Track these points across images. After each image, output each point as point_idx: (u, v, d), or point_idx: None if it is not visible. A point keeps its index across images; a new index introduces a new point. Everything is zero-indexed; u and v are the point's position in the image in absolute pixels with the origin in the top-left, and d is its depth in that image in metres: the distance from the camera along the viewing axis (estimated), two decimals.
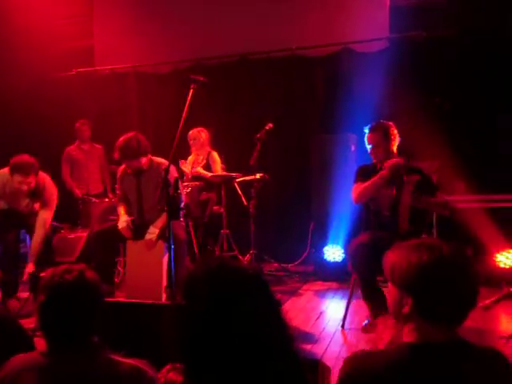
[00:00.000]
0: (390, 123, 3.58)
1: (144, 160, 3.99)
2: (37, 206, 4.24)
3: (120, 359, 1.59)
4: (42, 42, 6.42)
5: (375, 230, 3.52)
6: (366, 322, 3.40)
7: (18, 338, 1.95)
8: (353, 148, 5.10)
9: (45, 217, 4.17)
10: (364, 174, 3.58)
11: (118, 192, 4.38)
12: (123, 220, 4.03)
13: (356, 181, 3.60)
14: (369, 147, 3.58)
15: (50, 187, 4.21)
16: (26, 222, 4.25)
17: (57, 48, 6.64)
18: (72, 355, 1.56)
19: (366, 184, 3.47)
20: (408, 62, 5.22)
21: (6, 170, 4.05)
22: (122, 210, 4.15)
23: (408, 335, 1.33)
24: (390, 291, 1.39)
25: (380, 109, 4.77)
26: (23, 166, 3.91)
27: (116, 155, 3.95)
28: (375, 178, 3.44)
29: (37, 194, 4.13)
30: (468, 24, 5.19)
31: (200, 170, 5.16)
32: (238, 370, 1.06)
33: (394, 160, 3.44)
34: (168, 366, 1.29)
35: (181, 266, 3.83)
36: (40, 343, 1.69)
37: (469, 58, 5.13)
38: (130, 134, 3.95)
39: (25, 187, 3.97)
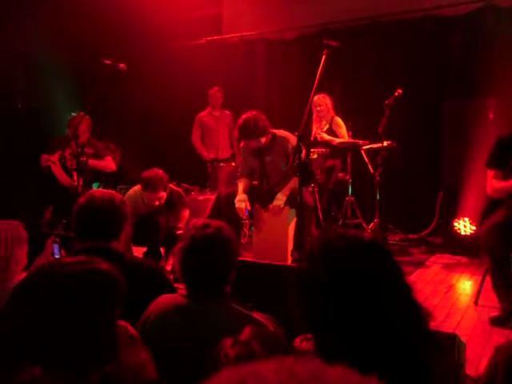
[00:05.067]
0: None
1: (264, 139, 4.05)
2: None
3: (245, 312, 1.69)
4: (172, 12, 6.65)
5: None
6: (494, 315, 3.13)
7: (166, 286, 2.14)
8: (491, 115, 4.74)
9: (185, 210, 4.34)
10: (503, 153, 3.19)
11: (241, 165, 4.48)
12: (241, 199, 4.08)
13: (491, 163, 3.23)
14: None
15: (178, 199, 4.31)
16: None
17: (186, 17, 6.88)
18: (207, 300, 1.69)
19: (506, 185, 3.12)
20: None
21: (137, 187, 4.18)
22: (240, 187, 4.22)
23: None
24: None
25: None
26: (150, 182, 3.98)
27: (236, 133, 4.08)
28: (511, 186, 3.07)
29: (170, 205, 4.24)
30: None
31: (325, 135, 5.12)
32: (365, 336, 1.06)
33: None
34: (300, 337, 1.34)
35: (307, 231, 3.90)
36: None
37: None
38: (250, 114, 4.00)
39: (156, 203, 4.06)
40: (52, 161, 4.55)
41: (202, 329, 1.60)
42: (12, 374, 1.05)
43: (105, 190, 2.09)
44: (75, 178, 4.36)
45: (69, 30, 6.16)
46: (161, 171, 4.06)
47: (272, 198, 4.10)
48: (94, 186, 4.86)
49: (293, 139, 3.93)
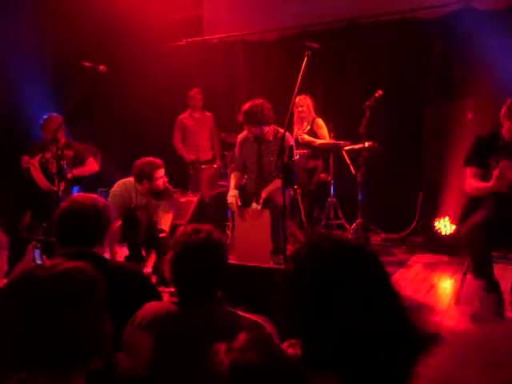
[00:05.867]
0: None
1: (266, 129, 4.06)
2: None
3: (241, 313, 1.69)
4: (152, 14, 6.62)
5: (493, 204, 3.30)
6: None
7: (150, 291, 2.12)
8: (470, 116, 4.81)
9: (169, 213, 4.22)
10: (481, 151, 3.23)
11: (235, 158, 4.47)
12: (232, 195, 4.12)
13: (469, 162, 3.26)
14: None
15: (168, 194, 4.23)
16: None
17: (166, 19, 6.85)
18: (199, 306, 1.67)
19: (481, 187, 3.16)
20: None
21: (127, 179, 4.09)
22: (232, 182, 4.23)
23: None
24: None
25: (503, 73, 4.43)
26: (155, 161, 3.96)
27: (240, 118, 4.06)
28: (490, 187, 3.08)
29: (160, 194, 4.15)
30: None
31: (306, 136, 5.14)
32: (352, 340, 1.06)
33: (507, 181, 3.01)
34: (286, 343, 1.34)
35: (277, 232, 3.92)
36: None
37: None
38: (257, 101, 4.05)
39: (161, 182, 3.99)
40: (32, 163, 4.48)
41: (199, 335, 1.58)
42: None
43: (87, 195, 2.06)
44: (56, 182, 4.30)
45: (48, 32, 6.08)
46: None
47: (252, 199, 4.11)
48: (74, 190, 4.80)
49: (290, 139, 3.95)
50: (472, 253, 3.16)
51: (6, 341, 1.11)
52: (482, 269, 3.14)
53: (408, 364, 1.09)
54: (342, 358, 1.07)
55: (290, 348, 1.32)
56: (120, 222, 4.00)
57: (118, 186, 4.09)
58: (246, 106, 4.03)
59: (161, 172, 3.98)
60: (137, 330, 1.66)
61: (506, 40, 4.48)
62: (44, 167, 4.60)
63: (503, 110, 3.17)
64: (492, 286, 3.12)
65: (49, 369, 1.10)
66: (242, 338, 0.94)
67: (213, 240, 1.69)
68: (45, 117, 4.80)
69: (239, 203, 4.12)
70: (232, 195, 4.14)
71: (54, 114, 4.79)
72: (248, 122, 4.04)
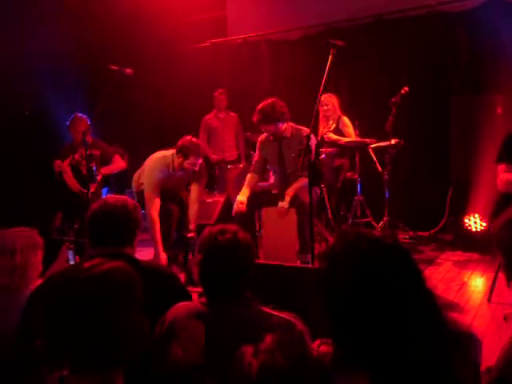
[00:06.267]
0: None
1: (283, 126, 4.06)
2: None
3: (271, 311, 1.69)
4: (176, 15, 6.68)
5: None
6: (509, 311, 3.12)
7: (180, 291, 2.14)
8: (499, 111, 4.72)
9: (198, 192, 4.40)
10: None
11: (254, 160, 4.50)
12: (239, 200, 4.10)
13: (501, 158, 3.25)
14: None
15: (203, 166, 4.37)
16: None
17: (190, 20, 6.90)
18: (228, 306, 1.68)
19: None
20: None
21: (165, 154, 4.22)
22: (246, 185, 4.24)
23: None
24: None
25: None
26: (198, 148, 4.08)
27: (254, 118, 4.08)
28: None
29: (194, 172, 4.28)
30: None
31: (332, 135, 5.11)
32: (386, 339, 1.06)
33: None
34: (318, 341, 1.34)
35: (304, 231, 3.91)
36: None
37: None
38: (269, 100, 4.05)
39: (196, 168, 4.13)
40: (63, 168, 4.58)
41: (229, 335, 1.59)
42: (41, 377, 1.08)
43: (118, 196, 2.10)
44: (86, 183, 4.39)
45: (74, 35, 6.19)
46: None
47: (277, 200, 4.11)
48: (104, 192, 4.88)
49: (314, 137, 3.95)
50: (504, 249, 3.10)
51: (50, 339, 1.14)
52: None
53: (444, 363, 1.09)
54: (374, 358, 1.06)
55: (323, 346, 1.32)
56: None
57: (158, 160, 4.21)
58: (259, 106, 4.04)
59: (196, 160, 4.07)
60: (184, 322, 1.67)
61: None
62: (74, 169, 4.69)
63: None
64: None
65: (90, 367, 1.12)
66: (269, 339, 0.95)
67: (239, 240, 1.70)
68: (70, 118, 4.88)
69: (244, 210, 4.08)
70: (239, 201, 4.11)
71: (79, 115, 4.88)
72: (262, 122, 4.06)
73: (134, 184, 4.51)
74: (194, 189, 4.38)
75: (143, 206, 4.26)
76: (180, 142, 4.09)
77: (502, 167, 3.26)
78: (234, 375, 0.93)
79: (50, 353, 1.14)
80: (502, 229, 3.05)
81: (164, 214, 4.14)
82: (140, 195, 4.32)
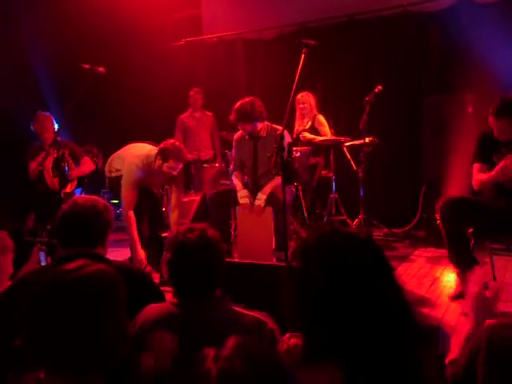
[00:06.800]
0: None
1: (260, 126, 4.07)
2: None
3: (242, 310, 1.70)
4: (151, 14, 6.61)
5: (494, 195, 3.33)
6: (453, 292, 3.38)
7: (153, 292, 2.14)
8: (470, 109, 4.81)
9: (178, 198, 4.32)
10: (485, 147, 3.32)
11: (233, 159, 4.49)
12: (244, 196, 4.14)
13: (476, 158, 3.37)
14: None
15: (181, 172, 4.29)
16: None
17: (166, 19, 6.86)
18: (199, 306, 1.68)
19: (484, 178, 3.27)
20: None
21: (148, 152, 4.13)
22: (239, 183, 4.25)
23: None
24: None
25: (502, 66, 4.43)
26: (179, 152, 3.99)
27: (231, 117, 4.08)
28: (496, 173, 3.17)
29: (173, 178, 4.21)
30: None
31: (307, 134, 5.14)
32: (358, 337, 1.08)
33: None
34: (287, 335, 1.36)
35: (286, 229, 3.93)
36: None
37: None
38: (247, 98, 4.05)
39: (175, 173, 4.04)
40: (44, 166, 4.48)
41: (199, 335, 1.57)
42: (17, 377, 1.07)
43: (88, 196, 2.08)
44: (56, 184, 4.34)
45: (47, 34, 6.09)
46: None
47: (254, 196, 4.13)
48: (77, 192, 4.82)
49: (288, 136, 3.97)
50: (446, 226, 3.25)
51: (32, 340, 1.13)
52: (456, 244, 3.26)
53: (408, 355, 1.11)
54: (344, 348, 1.09)
55: (292, 338, 1.33)
56: None
57: (140, 158, 4.12)
58: (237, 104, 4.04)
59: (178, 164, 4.01)
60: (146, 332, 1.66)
61: (503, 33, 4.48)
62: (47, 169, 4.62)
63: (491, 110, 3.20)
64: (469, 261, 3.25)
65: (72, 370, 1.11)
66: (230, 344, 0.95)
67: (208, 238, 1.70)
68: (35, 117, 4.75)
69: (252, 201, 4.12)
70: (242, 196, 4.15)
71: (44, 113, 4.79)
72: (240, 120, 4.06)
73: (106, 168, 4.43)
74: (174, 195, 4.32)
75: (115, 194, 4.26)
76: (162, 145, 4.03)
77: (476, 167, 3.37)
78: (194, 380, 0.93)
79: (30, 354, 1.12)
80: (445, 206, 3.21)
81: (134, 208, 4.11)
82: (113, 181, 4.26)
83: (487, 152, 3.29)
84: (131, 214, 4.03)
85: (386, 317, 1.09)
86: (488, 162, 3.29)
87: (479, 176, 3.33)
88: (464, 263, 3.28)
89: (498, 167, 3.16)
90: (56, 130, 3.98)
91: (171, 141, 4.09)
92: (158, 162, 4.01)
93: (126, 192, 4.04)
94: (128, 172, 4.08)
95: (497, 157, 3.23)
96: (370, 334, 1.08)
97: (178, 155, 3.98)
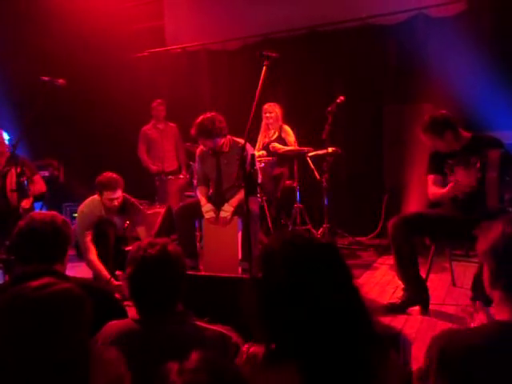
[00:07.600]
0: (441, 114, 3.35)
1: (221, 141, 4.06)
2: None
3: (205, 325, 1.69)
4: (114, 25, 6.58)
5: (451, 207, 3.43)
6: (392, 301, 3.43)
7: (114, 307, 2.11)
8: None
9: (146, 233, 4.17)
10: (436, 159, 3.44)
11: (197, 173, 4.46)
12: (209, 210, 4.13)
13: (429, 170, 3.49)
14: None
15: (137, 206, 4.18)
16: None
17: (128, 30, 6.81)
18: (161, 321, 1.67)
19: (438, 194, 3.39)
20: (488, 25, 4.94)
21: (93, 197, 4.03)
22: (203, 198, 4.21)
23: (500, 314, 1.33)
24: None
25: (457, 77, 4.58)
26: (110, 181, 3.87)
27: (193, 131, 4.07)
28: (446, 194, 3.30)
29: (126, 209, 4.09)
30: None
31: (277, 145, 5.14)
32: (316, 340, 1.11)
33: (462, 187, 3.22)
34: (247, 345, 1.36)
35: (255, 240, 3.93)
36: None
37: None
38: (208, 114, 4.04)
39: (115, 203, 3.92)
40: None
41: (161, 352, 1.55)
42: None
43: (45, 212, 2.04)
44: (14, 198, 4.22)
45: (6, 47, 5.97)
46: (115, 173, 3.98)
47: (221, 208, 4.12)
48: (37, 207, 4.71)
49: (251, 148, 3.97)
50: (395, 245, 3.33)
51: None
52: (406, 262, 3.33)
53: (367, 362, 1.13)
54: (302, 352, 1.11)
55: (252, 347, 1.33)
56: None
57: (86, 204, 4.03)
58: (198, 120, 4.03)
59: (111, 194, 3.88)
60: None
61: (457, 45, 4.64)
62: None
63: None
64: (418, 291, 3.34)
65: None
66: (194, 357, 0.95)
67: (168, 252, 1.69)
68: None
69: (217, 213, 4.11)
70: (207, 210, 4.13)
71: None
72: (200, 136, 4.04)
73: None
74: (142, 234, 4.14)
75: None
76: (98, 179, 3.91)
77: (430, 178, 3.48)
78: None
79: None
80: (395, 227, 3.29)
81: (100, 238, 3.97)
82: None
83: (438, 163, 3.42)
84: (94, 259, 3.87)
85: (342, 318, 1.13)
86: (440, 172, 3.41)
87: (433, 189, 3.45)
88: (413, 292, 3.37)
89: (449, 185, 3.26)
90: (8, 143, 3.87)
91: (104, 173, 3.94)
92: (98, 198, 3.94)
93: (81, 239, 3.91)
94: (79, 221, 3.98)
95: (447, 167, 3.35)
96: (327, 336, 1.11)
97: (109, 184, 3.85)
